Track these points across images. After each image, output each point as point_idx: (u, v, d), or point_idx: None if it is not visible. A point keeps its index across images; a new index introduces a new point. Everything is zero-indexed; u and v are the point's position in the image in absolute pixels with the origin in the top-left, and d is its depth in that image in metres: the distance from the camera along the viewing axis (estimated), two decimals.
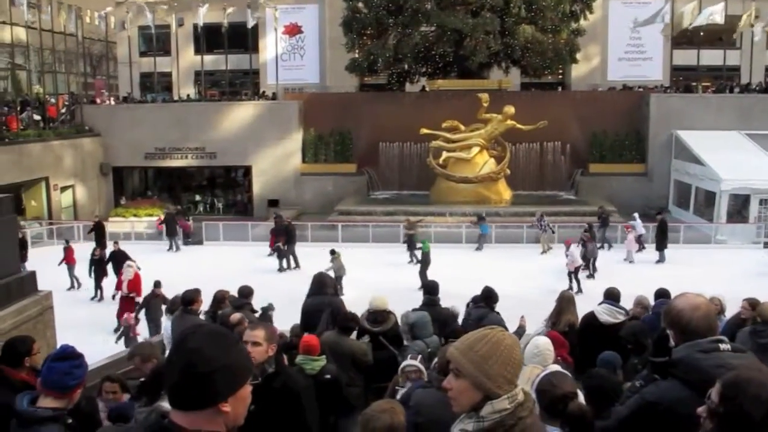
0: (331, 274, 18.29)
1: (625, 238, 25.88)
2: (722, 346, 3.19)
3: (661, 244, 24.93)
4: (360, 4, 37.63)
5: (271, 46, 41.24)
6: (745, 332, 7.79)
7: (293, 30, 41.09)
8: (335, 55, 41.60)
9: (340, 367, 6.67)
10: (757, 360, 3.39)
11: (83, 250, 22.79)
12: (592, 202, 32.40)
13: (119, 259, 19.97)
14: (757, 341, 7.22)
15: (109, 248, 21.60)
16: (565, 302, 9.45)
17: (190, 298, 9.37)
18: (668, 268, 23.69)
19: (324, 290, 8.99)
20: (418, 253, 22.77)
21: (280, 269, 23.88)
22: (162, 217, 29.26)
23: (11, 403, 4.07)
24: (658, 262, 24.60)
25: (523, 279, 21.30)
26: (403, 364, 6.11)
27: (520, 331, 9.48)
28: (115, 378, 6.09)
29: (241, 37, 42.52)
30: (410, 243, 24.71)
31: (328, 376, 6.10)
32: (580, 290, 19.66)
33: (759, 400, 2.22)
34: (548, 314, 9.71)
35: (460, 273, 20.24)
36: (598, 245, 24.55)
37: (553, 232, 26.95)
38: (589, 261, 22.73)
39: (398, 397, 5.19)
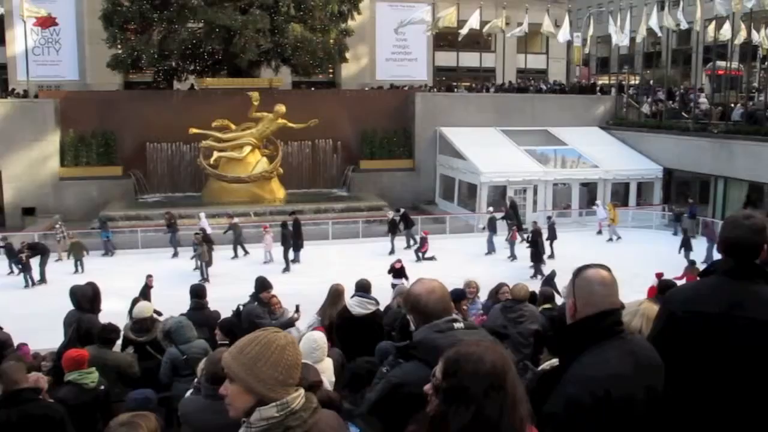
0: None
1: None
2: (456, 325, 3.29)
3: (295, 245, 24.98)
4: None
5: (20, 38, 37.76)
6: (497, 308, 8.56)
7: (46, 22, 37.82)
8: (96, 50, 39.05)
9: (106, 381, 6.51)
10: (488, 334, 3.57)
11: None
12: (365, 197, 33.31)
13: None
14: (507, 315, 8.00)
15: None
16: (335, 295, 9.46)
17: None
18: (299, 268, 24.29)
19: (77, 304, 8.44)
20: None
21: (26, 285, 22.11)
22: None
23: None
24: (293, 261, 24.84)
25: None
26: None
27: None
28: None
29: None
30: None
31: (103, 388, 6.16)
32: None
33: (477, 374, 2.23)
34: (319, 307, 9.69)
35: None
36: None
37: (65, 238, 25.86)
38: (201, 265, 23.03)
39: None
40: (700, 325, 2.97)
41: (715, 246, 3.25)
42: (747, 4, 31.00)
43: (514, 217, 27.71)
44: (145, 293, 16.67)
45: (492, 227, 26.91)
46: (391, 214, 27.58)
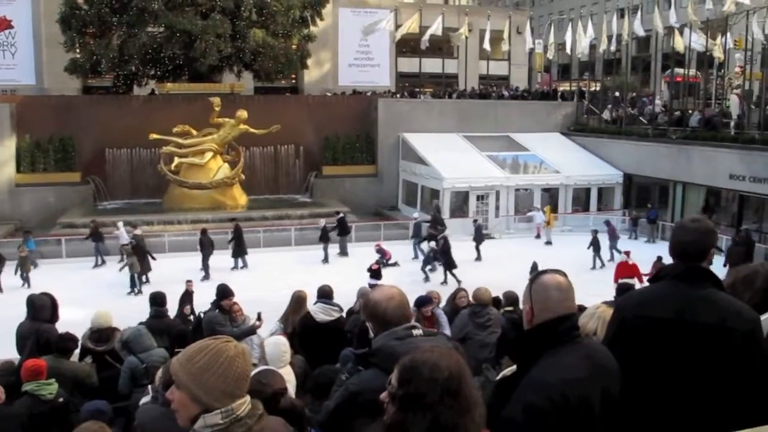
0: None
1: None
2: (415, 332, 3.28)
3: (237, 251, 24.64)
4: (80, 0, 35.12)
5: None
6: (464, 314, 8.51)
7: (2, 24, 37.14)
8: (53, 54, 38.44)
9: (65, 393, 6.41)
10: (446, 341, 3.57)
11: None
12: (327, 203, 33.20)
13: None
14: (475, 320, 8.07)
15: None
16: (297, 302, 9.39)
17: None
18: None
19: (35, 314, 8.17)
20: None
21: None
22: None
23: None
24: (233, 269, 24.31)
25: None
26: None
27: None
28: None
29: None
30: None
31: (61, 399, 6.07)
32: None
33: (433, 380, 2.21)
34: (281, 314, 9.62)
35: None
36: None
37: None
38: (133, 277, 21.90)
39: None
40: (651, 330, 3.01)
41: (667, 250, 3.30)
42: (704, 12, 31.71)
43: (441, 221, 27.45)
44: (184, 301, 15.59)
45: (417, 233, 26.89)
46: (322, 221, 26.79)
